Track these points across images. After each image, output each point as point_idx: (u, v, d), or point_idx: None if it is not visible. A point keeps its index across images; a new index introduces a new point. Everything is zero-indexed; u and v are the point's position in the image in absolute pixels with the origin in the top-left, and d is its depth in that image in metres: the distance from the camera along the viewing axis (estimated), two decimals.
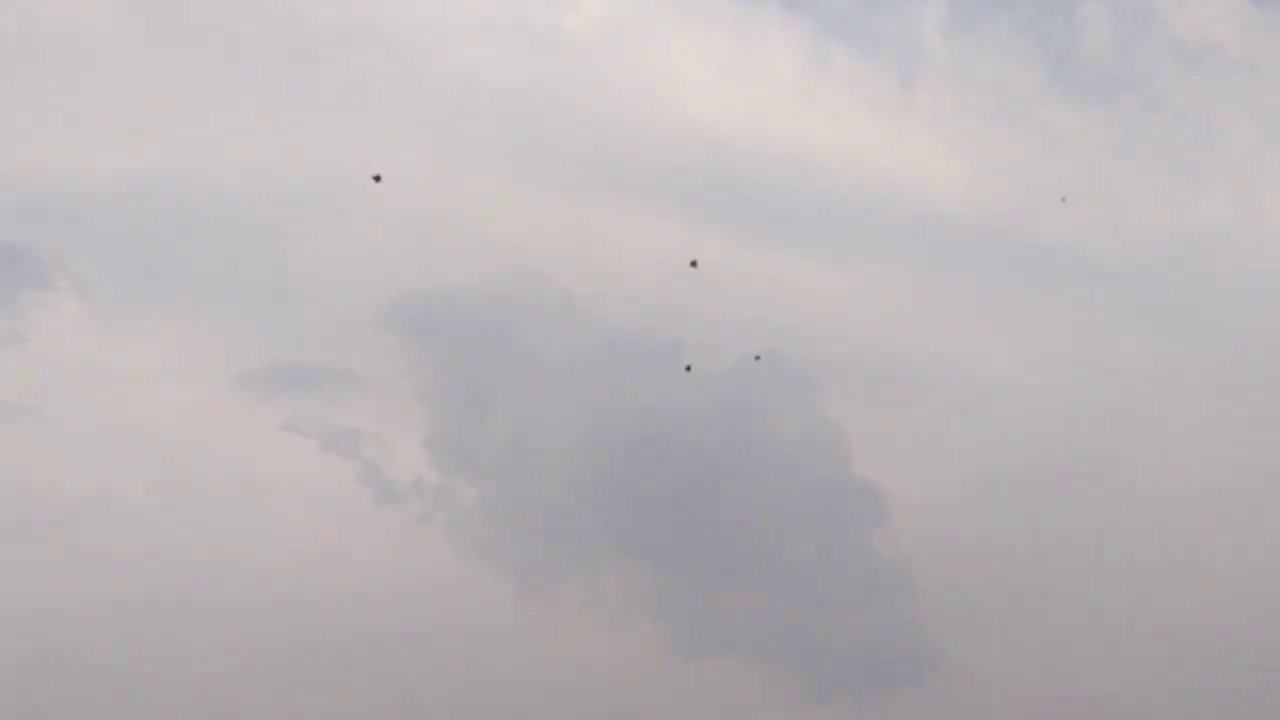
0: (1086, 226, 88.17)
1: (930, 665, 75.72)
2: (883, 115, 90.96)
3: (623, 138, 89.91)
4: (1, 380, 77.95)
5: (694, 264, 65.76)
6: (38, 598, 70.48)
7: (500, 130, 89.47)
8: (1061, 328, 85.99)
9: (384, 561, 75.58)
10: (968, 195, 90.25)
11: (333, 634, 71.76)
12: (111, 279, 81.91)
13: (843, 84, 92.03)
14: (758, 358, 73.41)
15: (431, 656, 71.53)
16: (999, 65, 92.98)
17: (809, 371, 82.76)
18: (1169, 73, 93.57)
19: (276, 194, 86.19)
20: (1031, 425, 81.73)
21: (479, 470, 79.74)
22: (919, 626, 76.96)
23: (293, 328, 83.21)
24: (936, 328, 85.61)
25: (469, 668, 71.38)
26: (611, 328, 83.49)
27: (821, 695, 74.14)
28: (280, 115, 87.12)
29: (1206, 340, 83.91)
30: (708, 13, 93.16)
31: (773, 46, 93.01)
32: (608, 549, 77.61)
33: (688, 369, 71.22)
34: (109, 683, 68.69)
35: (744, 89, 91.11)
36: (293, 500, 77.20)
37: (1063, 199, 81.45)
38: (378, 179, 62.52)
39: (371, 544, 75.97)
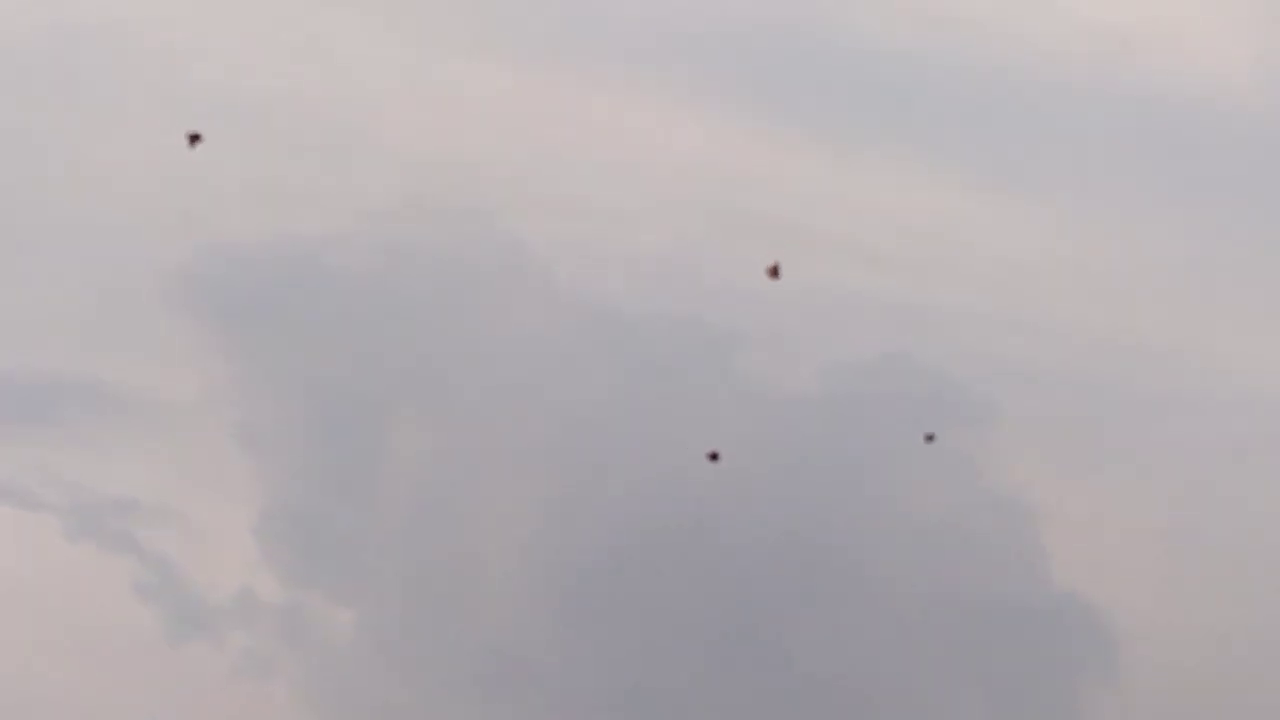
0: None
1: None
2: None
3: None
4: None
5: (774, 272, 52.82)
6: None
7: None
8: None
9: None
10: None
11: None
12: None
13: None
14: (930, 438, 57.49)
15: None
16: None
17: (969, 396, 64.78)
18: None
19: None
20: None
21: (357, 578, 64.00)
22: None
23: (12, 308, 65.50)
24: (1207, 317, 67.80)
25: None
26: (602, 310, 67.30)
27: None
28: None
29: None
30: None
31: None
32: (592, 716, 61.95)
33: (930, 437, 57.42)
34: None
35: None
36: (14, 624, 60.09)
37: None
38: (195, 139, 50.42)
39: (160, 705, 59.26)
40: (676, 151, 67.78)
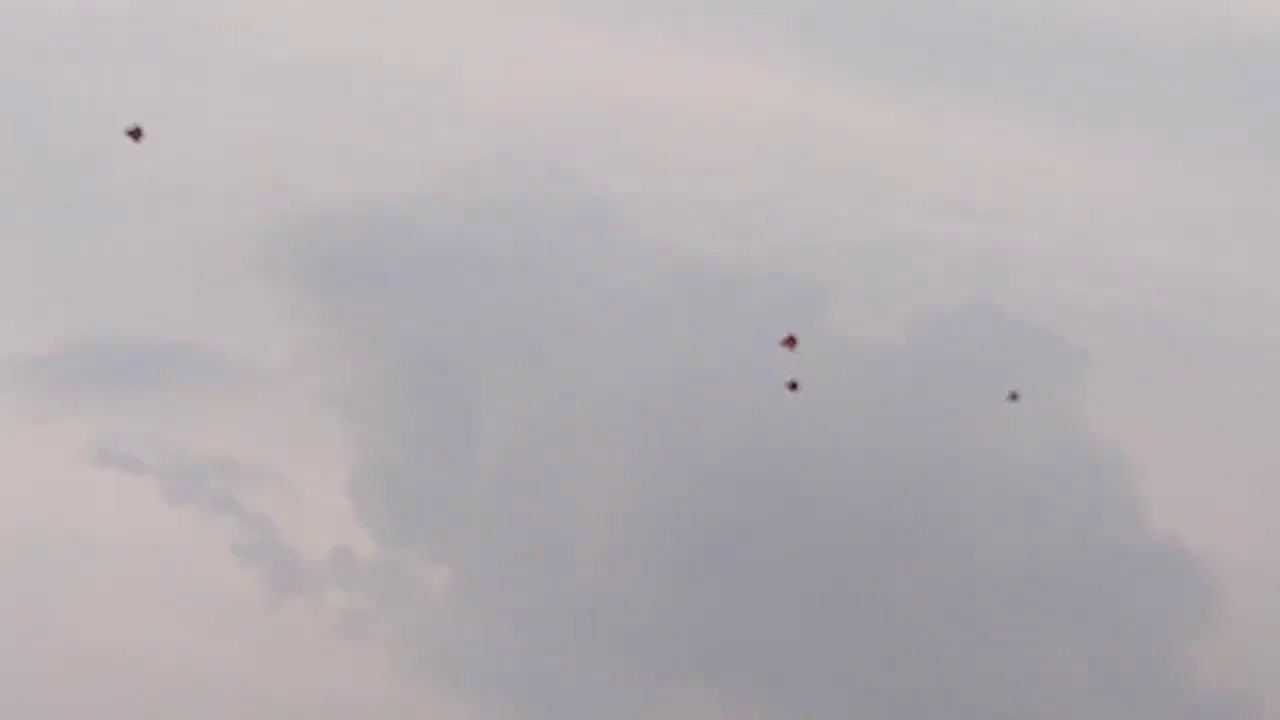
0: None
1: None
2: None
3: None
4: None
5: (793, 387, 55.67)
6: None
7: None
8: None
9: (283, 696, 59.52)
10: None
11: None
12: None
13: None
14: (1014, 397, 57.75)
15: None
16: None
17: (1059, 344, 64.54)
18: None
19: (69, 40, 69.27)
20: None
21: (452, 536, 63.54)
22: None
23: (109, 276, 66.45)
24: None
25: None
26: (689, 265, 66.54)
27: None
28: None
29: None
30: None
31: None
32: (689, 672, 61.57)
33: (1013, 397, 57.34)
34: None
35: None
36: (116, 586, 61.17)
37: None
38: (137, 135, 51.08)
39: (260, 664, 59.99)
40: (760, 104, 67.32)
